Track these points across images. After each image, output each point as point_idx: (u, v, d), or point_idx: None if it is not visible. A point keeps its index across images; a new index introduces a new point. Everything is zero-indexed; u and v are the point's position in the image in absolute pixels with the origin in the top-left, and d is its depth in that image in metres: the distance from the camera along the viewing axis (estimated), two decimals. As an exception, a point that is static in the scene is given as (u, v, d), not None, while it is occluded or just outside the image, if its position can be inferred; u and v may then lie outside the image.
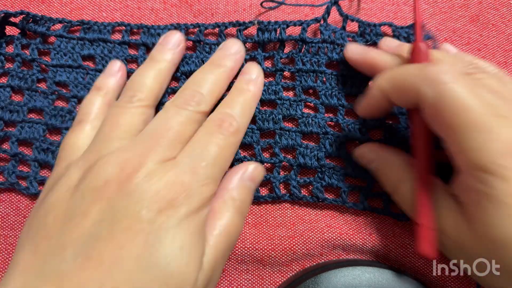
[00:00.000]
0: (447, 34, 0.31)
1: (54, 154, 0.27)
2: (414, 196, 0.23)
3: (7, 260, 0.27)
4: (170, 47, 0.26)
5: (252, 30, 0.30)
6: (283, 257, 0.26)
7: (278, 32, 0.29)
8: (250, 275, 0.26)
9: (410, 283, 0.23)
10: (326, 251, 0.26)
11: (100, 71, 0.28)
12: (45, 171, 0.28)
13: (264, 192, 0.27)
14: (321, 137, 0.27)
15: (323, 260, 0.26)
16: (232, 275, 0.26)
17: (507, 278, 0.20)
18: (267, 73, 0.29)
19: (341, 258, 0.26)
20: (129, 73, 0.28)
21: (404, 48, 0.25)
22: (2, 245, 0.27)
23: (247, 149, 0.28)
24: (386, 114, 0.26)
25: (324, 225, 0.26)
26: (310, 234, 0.26)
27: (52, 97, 0.29)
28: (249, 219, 0.27)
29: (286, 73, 0.29)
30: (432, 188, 0.22)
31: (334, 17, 0.30)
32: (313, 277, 0.23)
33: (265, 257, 0.26)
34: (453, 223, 0.21)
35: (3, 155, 0.28)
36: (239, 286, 0.25)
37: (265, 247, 0.26)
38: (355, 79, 0.29)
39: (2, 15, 0.29)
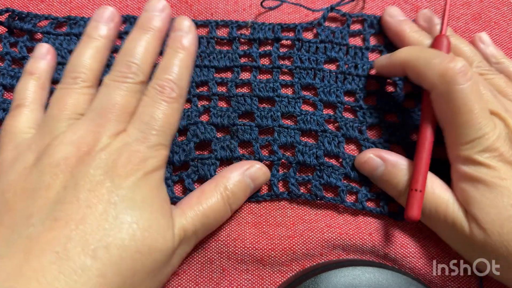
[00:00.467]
0: (449, 33, 0.31)
1: None
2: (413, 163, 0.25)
3: None
4: (104, 23, 0.26)
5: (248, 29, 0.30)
6: (283, 257, 0.26)
7: (273, 31, 0.29)
8: (250, 275, 0.26)
9: (410, 283, 0.23)
10: (326, 251, 0.26)
11: None
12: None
13: (262, 190, 0.27)
14: (319, 135, 0.27)
15: (323, 260, 0.26)
16: (232, 275, 0.26)
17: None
18: (264, 70, 0.29)
19: (341, 258, 0.26)
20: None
21: (435, 30, 0.28)
22: None
23: (245, 146, 0.28)
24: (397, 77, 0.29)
25: (324, 224, 0.26)
26: (310, 234, 0.26)
27: None
28: (249, 218, 0.27)
29: (284, 70, 0.29)
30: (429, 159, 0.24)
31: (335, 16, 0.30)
32: (313, 277, 0.23)
33: (265, 256, 0.26)
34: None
35: None
36: (239, 286, 0.25)
37: (265, 247, 0.26)
38: (354, 76, 0.29)
39: None
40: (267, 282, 0.26)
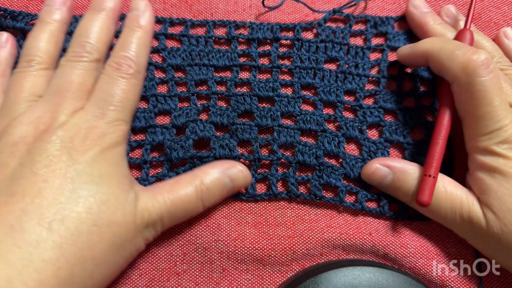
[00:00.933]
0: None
1: None
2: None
3: None
4: (57, 7, 0.27)
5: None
6: (283, 257, 0.26)
7: (272, 31, 0.29)
8: (250, 275, 0.26)
9: (410, 283, 0.23)
10: (326, 251, 0.26)
11: None
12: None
13: (261, 189, 0.27)
14: (319, 135, 0.27)
15: (323, 260, 0.26)
16: (232, 275, 0.26)
17: None
18: (263, 70, 0.29)
19: (341, 258, 0.26)
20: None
21: (458, 25, 0.29)
22: None
23: (245, 146, 0.28)
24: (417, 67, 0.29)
25: (324, 224, 0.26)
26: (310, 234, 0.26)
27: None
28: (249, 218, 0.27)
29: (284, 70, 0.29)
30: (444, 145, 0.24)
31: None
32: (313, 277, 0.23)
33: (265, 256, 0.26)
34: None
35: None
36: (239, 286, 0.25)
37: (265, 247, 0.26)
38: (354, 76, 0.29)
39: None
40: (267, 282, 0.26)
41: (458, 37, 0.27)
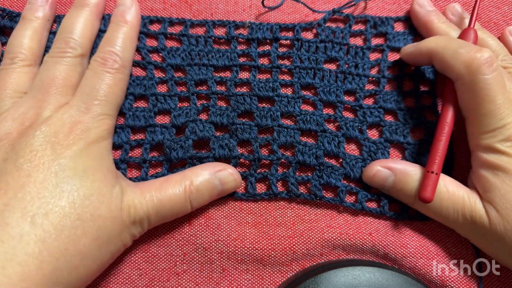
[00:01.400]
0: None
1: None
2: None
3: None
4: (40, 4, 0.27)
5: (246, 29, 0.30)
6: (283, 257, 0.26)
7: (271, 31, 0.29)
8: (250, 275, 0.26)
9: (410, 283, 0.23)
10: (326, 251, 0.26)
11: None
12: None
13: (261, 189, 0.27)
14: (319, 135, 0.27)
15: (323, 260, 0.26)
16: (232, 275, 0.26)
17: None
18: (263, 70, 0.29)
19: (341, 258, 0.26)
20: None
21: (463, 24, 0.29)
22: None
23: (245, 146, 0.28)
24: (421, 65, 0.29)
25: (324, 224, 0.26)
26: (310, 234, 0.26)
27: None
28: (249, 219, 0.27)
29: (284, 70, 0.29)
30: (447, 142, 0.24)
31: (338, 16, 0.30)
32: (313, 277, 0.23)
33: (265, 256, 0.26)
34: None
35: None
36: (239, 286, 0.25)
37: (265, 247, 0.26)
38: (354, 76, 0.29)
39: None
40: (267, 282, 0.26)
41: (462, 35, 0.27)
